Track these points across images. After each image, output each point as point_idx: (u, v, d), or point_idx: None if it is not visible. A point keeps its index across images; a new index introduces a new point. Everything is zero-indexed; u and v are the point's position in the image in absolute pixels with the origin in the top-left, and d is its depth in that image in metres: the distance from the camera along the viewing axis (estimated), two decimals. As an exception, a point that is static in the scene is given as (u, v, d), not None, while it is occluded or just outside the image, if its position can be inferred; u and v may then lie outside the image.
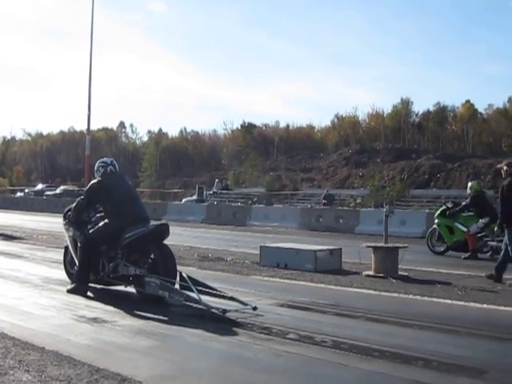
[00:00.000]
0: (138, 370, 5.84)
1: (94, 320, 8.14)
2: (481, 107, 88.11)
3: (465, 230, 17.61)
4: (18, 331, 7.28)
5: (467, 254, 17.33)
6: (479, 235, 17.24)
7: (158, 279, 9.25)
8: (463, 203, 18.11)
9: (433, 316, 8.85)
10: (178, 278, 9.57)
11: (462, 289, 11.39)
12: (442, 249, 18.62)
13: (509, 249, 12.34)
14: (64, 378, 5.49)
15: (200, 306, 8.73)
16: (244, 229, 30.87)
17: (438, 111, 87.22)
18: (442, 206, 19.58)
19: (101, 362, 6.00)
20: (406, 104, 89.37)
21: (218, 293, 9.48)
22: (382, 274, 12.77)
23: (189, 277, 9.59)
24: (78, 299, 9.72)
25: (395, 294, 10.82)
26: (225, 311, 8.43)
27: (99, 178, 10.53)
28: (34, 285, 11.13)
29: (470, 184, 18.54)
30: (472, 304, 9.98)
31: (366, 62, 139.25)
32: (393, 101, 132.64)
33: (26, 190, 71.63)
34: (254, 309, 8.70)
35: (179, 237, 23.34)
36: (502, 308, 9.70)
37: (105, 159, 11.02)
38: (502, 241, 13.59)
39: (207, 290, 9.49)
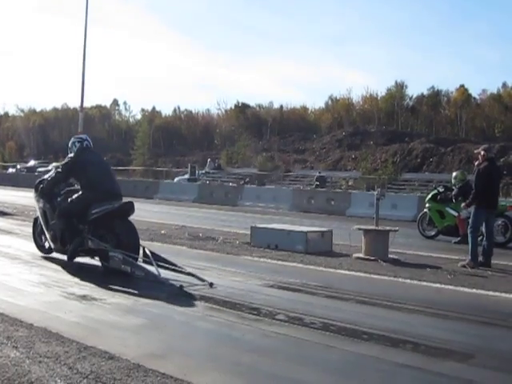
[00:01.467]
0: (127, 348, 5.84)
1: (84, 297, 8.13)
2: (475, 92, 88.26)
3: (456, 214, 17.76)
4: (6, 307, 7.28)
5: (458, 239, 17.43)
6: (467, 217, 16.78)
7: (121, 254, 9.67)
8: (453, 193, 18.10)
9: (422, 300, 8.87)
10: (142, 253, 10.22)
11: (452, 273, 11.44)
12: (433, 233, 18.77)
13: (469, 229, 12.89)
14: (52, 355, 5.48)
15: (177, 283, 8.78)
16: (236, 209, 30.91)
17: (432, 95, 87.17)
18: (433, 190, 19.65)
19: (89, 340, 6.00)
20: (400, 87, 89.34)
21: (178, 268, 9.93)
22: (372, 257, 12.79)
23: (151, 252, 10.15)
24: (68, 276, 9.73)
25: (385, 277, 10.85)
26: (182, 286, 8.80)
27: (77, 153, 10.88)
28: (24, 261, 11.11)
29: (454, 174, 18.76)
30: (461, 288, 10.02)
31: (360, 45, 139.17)
32: (387, 84, 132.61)
33: (18, 166, 71.41)
34: (211, 285, 9.12)
35: (171, 216, 23.44)
36: (490, 293, 9.74)
37: (80, 135, 11.64)
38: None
39: (168, 265, 9.94)
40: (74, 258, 10.69)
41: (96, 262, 10.53)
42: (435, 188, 19.58)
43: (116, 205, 10.36)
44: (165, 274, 9.52)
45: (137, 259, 9.91)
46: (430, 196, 19.23)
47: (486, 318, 8.00)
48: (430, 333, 6.88)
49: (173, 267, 9.94)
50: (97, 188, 10.36)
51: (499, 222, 16.86)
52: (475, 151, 13.68)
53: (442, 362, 5.85)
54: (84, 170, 10.57)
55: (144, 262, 9.97)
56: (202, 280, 9.36)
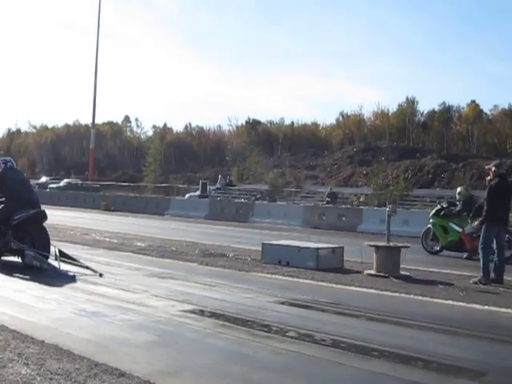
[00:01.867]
0: (137, 365, 5.85)
1: (94, 314, 8.15)
2: (486, 108, 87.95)
3: (460, 230, 17.93)
4: (18, 324, 7.30)
5: (466, 254, 17.57)
6: (474, 235, 16.76)
7: (33, 252, 11.89)
8: (457, 208, 18.33)
9: (433, 317, 8.85)
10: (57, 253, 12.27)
11: (464, 290, 11.39)
12: (437, 248, 18.78)
13: (480, 245, 12.83)
14: (63, 372, 5.49)
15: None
16: (247, 225, 30.90)
17: (443, 111, 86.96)
18: (437, 205, 19.64)
19: (100, 357, 6.01)
20: (411, 103, 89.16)
21: (79, 263, 12.31)
22: (383, 274, 12.76)
23: (60, 251, 12.35)
24: (79, 293, 9.74)
25: (396, 294, 10.82)
26: (74, 276, 11.21)
27: (2, 173, 12.92)
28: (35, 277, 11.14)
29: (458, 189, 19.03)
30: (473, 305, 9.98)
31: (370, 61, 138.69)
32: (398, 100, 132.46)
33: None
34: (101, 275, 11.42)
35: (182, 232, 23.48)
36: (503, 310, 9.70)
37: (5, 158, 13.56)
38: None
39: (73, 261, 12.34)
40: (0, 256, 12.77)
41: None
42: (439, 203, 19.68)
43: (31, 212, 12.43)
44: (69, 268, 11.87)
45: (48, 257, 12.16)
46: (433, 212, 19.27)
47: (498, 335, 7.96)
48: (442, 350, 6.85)
49: (75, 262, 12.29)
50: (18, 199, 12.55)
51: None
52: (486, 167, 13.65)
53: (454, 380, 5.83)
54: (8, 185, 12.75)
55: (55, 258, 12.08)
56: (95, 271, 11.68)
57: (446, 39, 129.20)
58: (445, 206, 18.85)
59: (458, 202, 18.43)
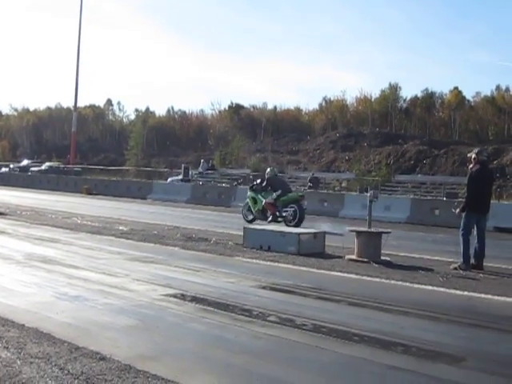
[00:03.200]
0: (118, 349, 5.85)
1: (76, 298, 8.14)
2: (469, 95, 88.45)
3: (263, 200, 21.29)
4: (-2, 307, 7.28)
5: (270, 218, 20.98)
6: (273, 203, 21.03)
7: None
8: (263, 184, 21.69)
9: (414, 302, 8.90)
10: None
11: (444, 275, 11.45)
12: (251, 217, 22.09)
13: (460, 232, 12.87)
14: (43, 356, 5.49)
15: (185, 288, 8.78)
16: (229, 210, 30.85)
17: (425, 97, 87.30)
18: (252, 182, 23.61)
19: (80, 341, 6.00)
20: (394, 89, 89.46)
21: None
22: (364, 259, 12.81)
23: None
24: (61, 277, 9.71)
25: (377, 279, 10.86)
26: None
27: None
28: (16, 261, 11.11)
29: (267, 170, 22.66)
30: (453, 291, 10.03)
31: (354, 47, 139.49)
32: (381, 86, 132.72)
33: (11, 166, 71.17)
34: None
35: (164, 216, 23.47)
36: (482, 295, 9.75)
37: None
38: (287, 211, 20.58)
39: None
40: None
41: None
42: (254, 180, 23.76)
43: None
44: None
45: None
46: (249, 187, 23.22)
47: (477, 320, 8.02)
48: (421, 335, 6.90)
49: None
50: None
51: (290, 209, 20.72)
52: (468, 155, 13.69)
53: (433, 365, 5.87)
54: None
55: None
56: None
57: (432, 26, 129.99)
58: (258, 182, 22.39)
59: (265, 179, 21.84)
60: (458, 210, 13.12)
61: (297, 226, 19.79)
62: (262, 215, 21.38)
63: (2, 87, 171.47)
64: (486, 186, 13.10)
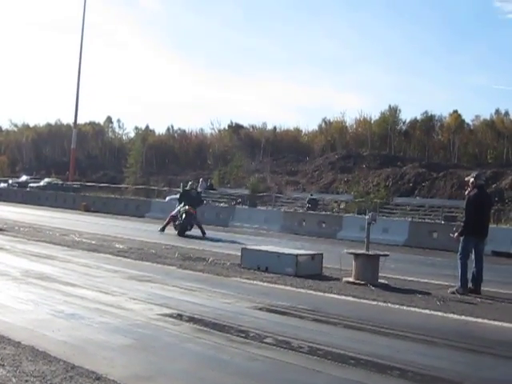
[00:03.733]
0: (114, 368, 5.84)
1: (72, 316, 8.13)
2: (468, 118, 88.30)
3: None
4: (-6, 324, 7.26)
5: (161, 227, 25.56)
6: (176, 215, 25.04)
7: None
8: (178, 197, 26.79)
9: (410, 326, 8.89)
10: None
11: (441, 299, 11.45)
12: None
13: (458, 256, 12.87)
14: (39, 374, 5.47)
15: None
16: (227, 229, 30.87)
17: (425, 120, 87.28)
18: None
19: (76, 359, 5.99)
20: (393, 111, 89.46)
21: None
22: (362, 281, 12.80)
23: None
24: (57, 294, 9.70)
25: (374, 302, 10.85)
26: None
27: None
28: (13, 278, 11.10)
29: (181, 184, 28.83)
30: (450, 315, 10.03)
31: (354, 69, 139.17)
32: (380, 108, 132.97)
33: (10, 181, 71.16)
34: None
35: (161, 235, 23.43)
36: (479, 320, 9.75)
37: None
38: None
39: None
40: None
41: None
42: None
43: None
44: None
45: None
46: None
47: (474, 345, 8.01)
48: (418, 359, 6.89)
49: None
50: None
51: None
52: (465, 178, 13.72)
53: (429, 390, 5.86)
54: None
55: None
56: None
57: (432, 48, 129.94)
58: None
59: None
60: (456, 235, 13.09)
61: (180, 234, 24.21)
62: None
63: (2, 103, 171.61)
64: (485, 210, 13.12)
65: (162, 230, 25.34)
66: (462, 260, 12.75)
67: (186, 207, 24.53)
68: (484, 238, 13.15)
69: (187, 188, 26.72)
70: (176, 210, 25.00)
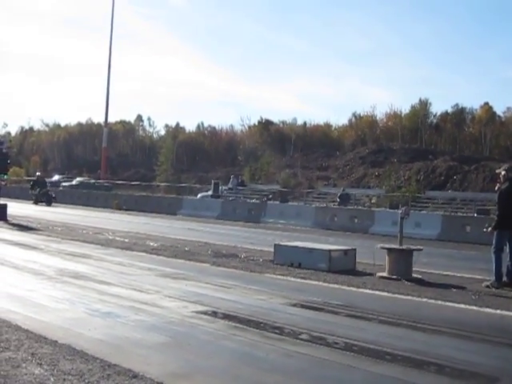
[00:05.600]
0: (150, 366, 5.86)
1: (107, 314, 8.18)
2: (499, 110, 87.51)
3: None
4: (31, 323, 7.33)
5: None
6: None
7: None
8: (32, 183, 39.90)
9: (446, 320, 8.83)
10: None
11: (476, 293, 11.36)
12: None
13: (492, 249, 12.63)
14: (76, 373, 5.51)
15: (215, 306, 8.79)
16: (259, 226, 30.90)
17: (456, 113, 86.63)
18: None
19: (113, 358, 6.02)
20: (424, 105, 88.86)
21: None
22: (395, 276, 12.74)
23: None
24: (92, 293, 9.77)
25: (409, 297, 10.79)
26: None
27: None
28: (48, 277, 11.19)
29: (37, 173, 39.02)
30: (486, 309, 9.94)
31: (383, 62, 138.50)
32: (411, 101, 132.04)
33: (42, 181, 71.67)
34: None
35: (194, 232, 23.50)
36: (515, 314, 9.67)
37: None
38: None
39: None
40: None
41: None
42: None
43: None
44: None
45: None
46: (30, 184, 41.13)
47: (510, 340, 7.95)
48: (455, 354, 6.84)
49: None
50: None
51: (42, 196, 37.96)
52: (496, 171, 13.57)
53: (467, 385, 5.82)
54: None
55: None
56: None
57: (461, 42, 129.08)
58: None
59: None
60: (489, 229, 12.95)
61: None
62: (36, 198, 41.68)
63: (33, 103, 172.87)
64: None
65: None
66: (496, 254, 12.62)
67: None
68: None
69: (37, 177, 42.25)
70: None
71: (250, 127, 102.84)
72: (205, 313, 8.55)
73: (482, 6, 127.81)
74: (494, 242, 12.75)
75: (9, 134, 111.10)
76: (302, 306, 9.52)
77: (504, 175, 12.92)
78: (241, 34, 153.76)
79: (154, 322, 7.83)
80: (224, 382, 5.62)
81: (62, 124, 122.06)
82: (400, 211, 14.20)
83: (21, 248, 15.61)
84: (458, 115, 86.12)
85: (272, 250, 14.98)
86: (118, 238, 18.99)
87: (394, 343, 7.22)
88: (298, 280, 12.32)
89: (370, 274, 13.30)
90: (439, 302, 10.39)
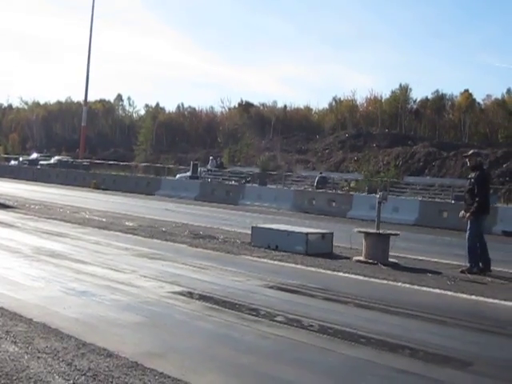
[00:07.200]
0: (125, 345, 5.85)
1: (83, 293, 8.16)
2: (479, 97, 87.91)
3: None
4: (6, 301, 7.29)
5: None
6: None
7: None
8: None
9: (421, 305, 8.89)
10: None
11: (452, 279, 11.43)
12: None
13: (469, 236, 12.71)
14: (51, 351, 5.49)
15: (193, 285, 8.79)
16: (237, 208, 30.92)
17: (436, 99, 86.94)
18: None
19: (88, 336, 6.01)
20: (404, 90, 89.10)
21: None
22: (372, 260, 12.79)
23: None
24: (68, 271, 9.73)
25: (384, 281, 10.84)
26: None
27: None
28: (25, 255, 11.14)
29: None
30: (461, 295, 10.01)
31: (364, 47, 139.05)
32: (391, 86, 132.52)
33: (21, 159, 71.22)
34: None
35: (172, 213, 23.47)
36: (489, 300, 9.73)
37: None
38: None
39: None
40: None
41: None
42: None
43: None
44: None
45: None
46: None
47: (484, 325, 8.01)
48: (429, 339, 6.89)
49: None
50: None
51: None
52: (463, 155, 13.52)
53: (440, 369, 5.85)
54: None
55: None
56: None
57: (443, 27, 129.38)
58: None
59: None
60: (467, 215, 12.89)
61: None
62: None
63: (13, 81, 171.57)
64: (489, 188, 13.13)
65: None
66: (474, 240, 12.64)
67: None
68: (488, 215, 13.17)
69: None
70: None
71: (230, 109, 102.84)
72: (181, 293, 8.55)
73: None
74: (473, 229, 12.75)
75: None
76: (279, 288, 9.54)
77: (480, 161, 12.99)
78: (223, 16, 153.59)
79: (129, 302, 7.82)
80: (199, 362, 5.62)
81: (41, 102, 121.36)
82: (378, 196, 14.23)
83: (-3, 225, 15.52)
84: (438, 101, 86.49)
85: (249, 232, 14.99)
86: (95, 218, 18.92)
87: (369, 326, 7.26)
88: (275, 262, 12.34)
89: (347, 258, 13.35)
90: (415, 287, 10.45)
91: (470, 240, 12.68)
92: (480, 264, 12.57)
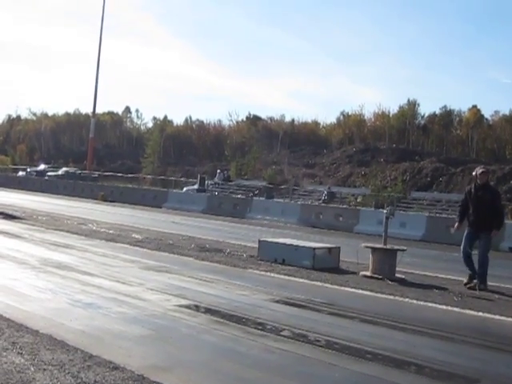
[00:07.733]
0: (131, 358, 5.84)
1: (90, 305, 8.15)
2: (487, 113, 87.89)
3: None
4: (12, 312, 7.29)
5: None
6: None
7: None
8: None
9: (427, 321, 8.86)
10: None
11: (459, 295, 11.40)
12: None
13: (481, 251, 12.61)
14: (57, 363, 5.49)
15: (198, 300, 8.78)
16: (243, 221, 30.93)
17: (444, 115, 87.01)
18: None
19: (94, 349, 6.01)
20: (412, 105, 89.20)
21: None
22: (379, 276, 12.77)
23: None
24: (75, 283, 9.74)
25: (391, 297, 10.82)
26: None
27: None
28: (32, 266, 11.15)
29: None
30: (467, 311, 9.98)
31: (372, 61, 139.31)
32: (399, 101, 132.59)
33: (28, 170, 71.41)
34: None
35: (179, 226, 23.49)
36: (496, 317, 9.69)
37: None
38: None
39: None
40: None
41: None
42: None
43: None
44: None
45: None
46: None
47: (491, 342, 7.97)
48: (435, 355, 6.86)
49: None
50: None
51: None
52: (473, 173, 13.28)
53: (446, 386, 5.84)
54: None
55: None
56: None
57: (451, 43, 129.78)
58: None
59: None
60: (494, 232, 12.75)
61: None
62: None
63: (22, 91, 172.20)
64: None
65: None
66: (486, 256, 12.52)
67: None
68: None
69: None
70: None
71: (237, 122, 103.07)
72: (187, 306, 8.55)
73: (472, 7, 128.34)
74: (488, 245, 12.59)
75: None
76: (285, 303, 9.52)
77: (485, 178, 12.91)
78: (231, 29, 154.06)
79: (135, 315, 7.82)
80: (204, 376, 5.61)
81: (50, 113, 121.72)
82: (385, 211, 14.22)
83: (5, 236, 15.53)
84: (446, 117, 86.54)
85: (256, 245, 14.99)
86: (102, 230, 18.94)
87: (375, 342, 7.24)
88: (282, 276, 12.33)
89: (354, 273, 13.33)
90: (421, 303, 10.42)
91: (485, 256, 12.53)
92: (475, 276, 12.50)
